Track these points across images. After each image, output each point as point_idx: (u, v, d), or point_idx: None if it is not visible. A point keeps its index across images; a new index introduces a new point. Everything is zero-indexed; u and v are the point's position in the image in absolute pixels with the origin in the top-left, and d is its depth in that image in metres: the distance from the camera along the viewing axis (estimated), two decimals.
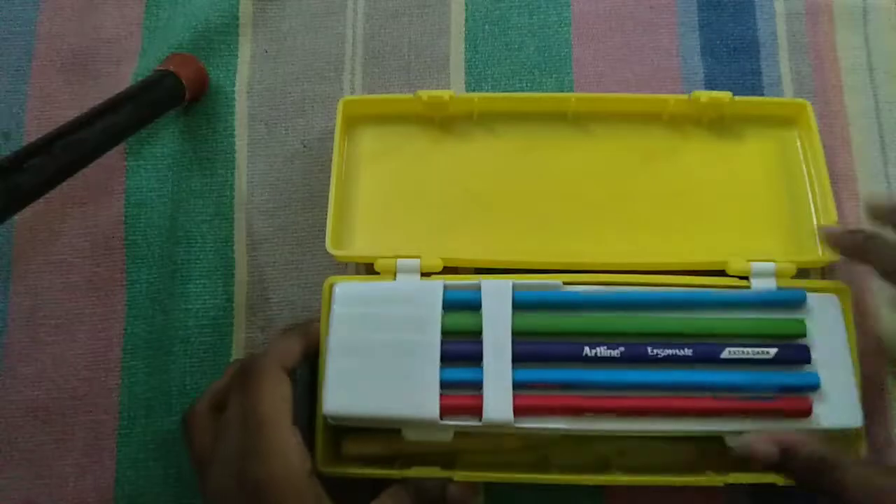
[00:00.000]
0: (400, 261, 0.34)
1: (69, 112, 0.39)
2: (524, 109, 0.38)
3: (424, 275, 0.34)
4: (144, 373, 0.37)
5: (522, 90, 0.41)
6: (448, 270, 0.34)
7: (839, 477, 0.29)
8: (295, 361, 0.32)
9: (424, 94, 0.37)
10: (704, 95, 0.37)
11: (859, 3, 0.42)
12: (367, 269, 0.37)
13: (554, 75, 0.41)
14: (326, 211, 0.34)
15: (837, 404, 0.32)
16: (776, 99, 0.40)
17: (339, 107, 0.37)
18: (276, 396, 0.30)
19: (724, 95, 0.37)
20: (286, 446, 0.29)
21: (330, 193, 0.35)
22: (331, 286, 0.33)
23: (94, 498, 0.36)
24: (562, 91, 0.40)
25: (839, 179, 0.39)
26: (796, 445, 0.31)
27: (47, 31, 0.42)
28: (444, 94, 0.37)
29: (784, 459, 0.31)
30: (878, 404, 0.36)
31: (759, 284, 0.34)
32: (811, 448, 0.31)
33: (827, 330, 0.33)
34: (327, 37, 0.41)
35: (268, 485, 0.28)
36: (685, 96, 0.37)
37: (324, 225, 0.34)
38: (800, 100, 0.38)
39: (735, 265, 0.34)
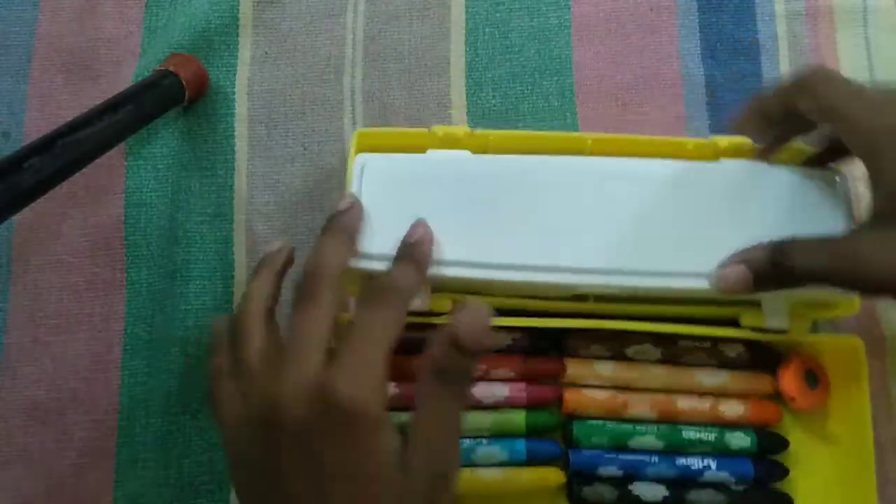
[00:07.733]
0: None
1: (69, 112, 0.39)
2: (539, 148, 0.36)
3: (434, 314, 0.34)
4: (144, 373, 0.37)
5: (523, 92, 0.41)
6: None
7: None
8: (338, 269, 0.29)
9: (440, 129, 0.35)
10: (724, 140, 0.35)
11: (859, 3, 0.42)
12: None
13: (554, 77, 0.41)
14: (325, 213, 0.34)
15: None
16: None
17: (353, 139, 0.35)
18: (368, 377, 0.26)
19: (744, 142, 0.35)
20: (385, 447, 0.25)
21: None
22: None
23: (94, 498, 0.36)
24: (562, 94, 0.40)
25: None
26: (755, 253, 0.30)
27: (47, 31, 0.42)
28: (458, 130, 0.35)
29: (762, 272, 0.30)
30: None
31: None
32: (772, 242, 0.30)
33: None
34: (327, 38, 0.41)
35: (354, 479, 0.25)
36: (705, 140, 0.36)
37: None
38: None
39: (748, 319, 0.34)
